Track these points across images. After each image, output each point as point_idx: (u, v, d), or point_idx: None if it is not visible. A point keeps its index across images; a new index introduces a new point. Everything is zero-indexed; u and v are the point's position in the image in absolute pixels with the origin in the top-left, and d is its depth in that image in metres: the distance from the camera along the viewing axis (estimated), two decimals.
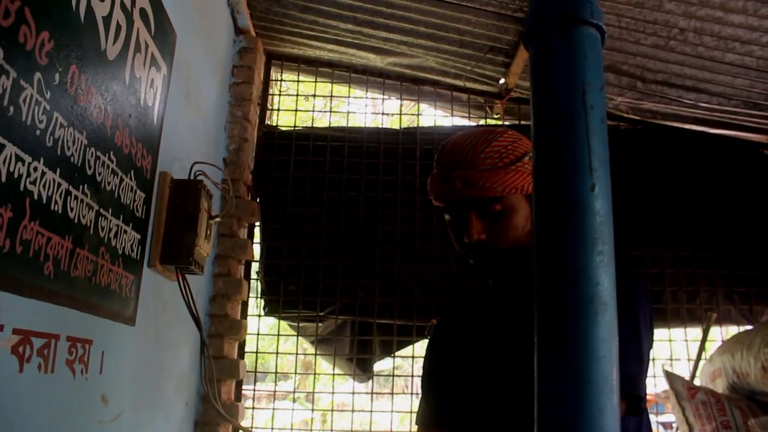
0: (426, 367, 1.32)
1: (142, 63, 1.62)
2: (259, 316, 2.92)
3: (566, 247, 0.52)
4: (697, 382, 2.75)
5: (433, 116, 3.49)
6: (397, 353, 2.97)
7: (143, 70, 1.63)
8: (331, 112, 3.38)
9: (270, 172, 2.98)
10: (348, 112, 3.22)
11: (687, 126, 3.06)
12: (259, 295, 2.94)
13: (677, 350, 2.98)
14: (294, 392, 5.75)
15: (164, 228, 1.81)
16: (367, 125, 3.42)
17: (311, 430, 4.88)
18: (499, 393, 1.12)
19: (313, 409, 4.24)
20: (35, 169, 1.10)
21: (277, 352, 2.96)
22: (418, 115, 3.39)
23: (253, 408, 2.91)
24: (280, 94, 3.25)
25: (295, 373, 3.42)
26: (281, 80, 3.26)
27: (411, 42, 2.86)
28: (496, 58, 2.89)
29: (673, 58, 2.57)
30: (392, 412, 2.92)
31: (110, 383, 1.53)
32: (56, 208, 1.19)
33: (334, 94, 3.35)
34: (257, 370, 3.10)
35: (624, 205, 2.86)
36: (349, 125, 3.16)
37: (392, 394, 2.98)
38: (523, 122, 3.16)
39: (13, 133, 1.03)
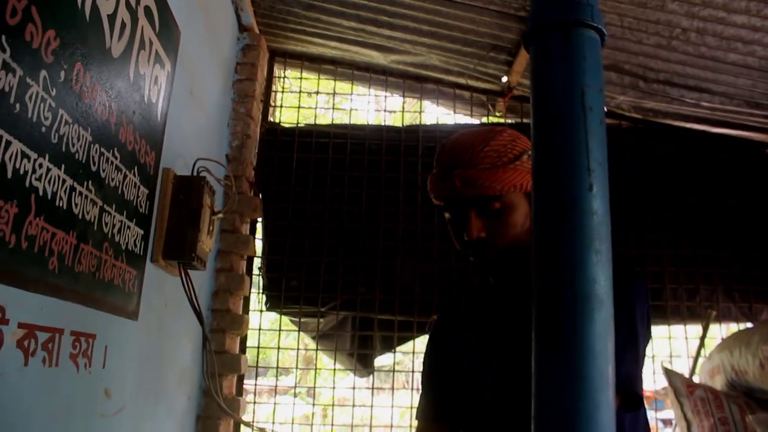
0: (426, 363, 1.34)
1: (147, 60, 1.63)
2: (261, 311, 2.93)
3: (564, 246, 0.53)
4: (696, 379, 2.76)
5: (435, 114, 3.50)
6: (397, 349, 2.98)
7: (147, 67, 1.64)
8: (333, 109, 3.39)
9: (272, 169, 2.99)
10: (351, 110, 3.23)
11: (689, 125, 3.06)
12: (260, 291, 2.95)
13: (677, 347, 2.99)
14: (295, 387, 5.78)
15: (167, 224, 1.82)
16: (369, 122, 3.43)
17: (312, 424, 4.90)
18: (498, 389, 1.13)
19: (314, 404, 4.25)
20: (40, 165, 1.12)
21: (279, 348, 2.97)
22: (420, 112, 3.39)
23: (255, 402, 2.92)
24: (283, 91, 3.26)
25: (297, 368, 3.43)
26: (284, 77, 3.27)
27: (414, 40, 2.87)
28: (498, 56, 2.89)
29: (676, 58, 2.57)
30: (393, 407, 2.94)
31: (113, 377, 1.54)
32: (61, 204, 1.20)
33: (336, 92, 3.36)
34: (258, 365, 3.11)
35: (625, 203, 2.87)
36: (351, 122, 3.17)
37: (393, 389, 3.00)
38: (525, 120, 3.17)
39: (19, 130, 1.04)
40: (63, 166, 1.20)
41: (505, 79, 3.03)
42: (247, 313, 2.80)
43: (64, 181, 1.21)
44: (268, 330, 3.10)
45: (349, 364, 3.03)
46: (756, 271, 2.92)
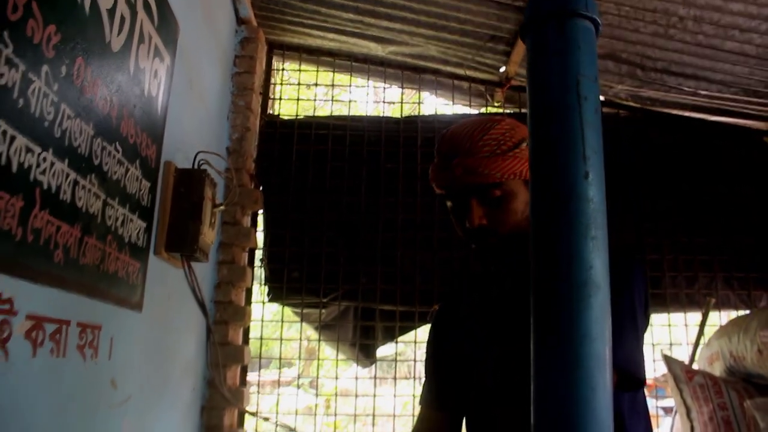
0: (428, 350, 1.36)
1: (146, 54, 1.64)
2: (263, 302, 2.95)
3: (561, 233, 0.54)
4: (695, 366, 2.78)
5: (434, 105, 3.51)
6: (399, 339, 3.01)
7: (147, 61, 1.65)
8: (332, 101, 3.39)
9: (272, 161, 3.00)
10: (349, 101, 3.23)
11: (686, 113, 3.07)
12: (262, 282, 2.97)
13: (677, 335, 3.02)
14: (298, 378, 5.81)
15: (169, 216, 1.84)
16: (368, 114, 3.44)
17: (316, 415, 4.93)
18: (499, 376, 1.15)
19: (317, 395, 4.28)
20: (44, 159, 1.13)
21: (281, 339, 2.99)
22: (419, 103, 3.40)
23: (258, 393, 2.95)
24: (282, 84, 3.27)
25: (299, 359, 3.45)
26: (283, 69, 3.27)
27: (412, 31, 2.87)
28: (496, 46, 2.90)
29: (673, 46, 2.58)
30: (395, 396, 2.97)
31: (119, 368, 1.56)
32: (65, 198, 1.22)
33: (335, 83, 3.36)
34: (261, 356, 3.14)
35: (624, 192, 2.88)
36: (350, 114, 3.18)
37: (395, 379, 3.02)
38: (523, 110, 3.17)
39: (24, 125, 1.06)
40: (66, 160, 1.21)
41: (503, 69, 3.04)
42: (250, 305, 2.82)
43: (67, 174, 1.22)
44: (270, 321, 3.12)
45: (351, 355, 3.05)
46: (754, 258, 2.94)
